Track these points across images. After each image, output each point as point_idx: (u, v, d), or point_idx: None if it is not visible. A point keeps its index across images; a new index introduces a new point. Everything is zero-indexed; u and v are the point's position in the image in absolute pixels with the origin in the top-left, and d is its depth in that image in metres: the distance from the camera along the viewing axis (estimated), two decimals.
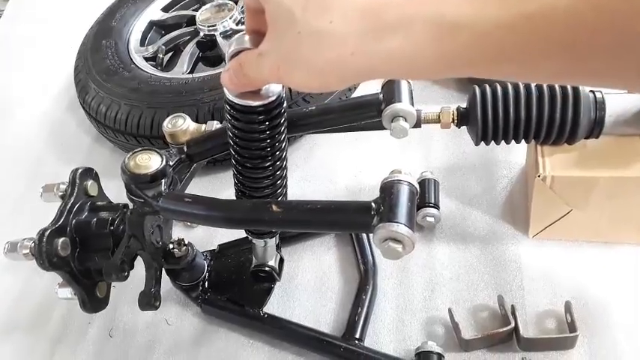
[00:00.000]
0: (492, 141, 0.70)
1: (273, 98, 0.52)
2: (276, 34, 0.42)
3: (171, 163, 0.66)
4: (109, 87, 1.00)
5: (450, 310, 0.73)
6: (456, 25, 0.34)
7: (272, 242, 0.74)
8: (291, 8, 0.39)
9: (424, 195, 0.83)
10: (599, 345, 0.68)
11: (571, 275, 0.75)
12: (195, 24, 1.12)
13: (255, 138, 0.56)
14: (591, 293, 0.73)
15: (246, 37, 0.47)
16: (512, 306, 0.71)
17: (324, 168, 0.98)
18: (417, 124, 0.69)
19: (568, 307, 0.69)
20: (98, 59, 1.07)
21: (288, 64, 0.42)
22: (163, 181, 0.62)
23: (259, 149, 0.57)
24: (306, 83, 0.43)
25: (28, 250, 0.65)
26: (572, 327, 0.68)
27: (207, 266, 0.82)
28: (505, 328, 0.69)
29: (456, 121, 0.70)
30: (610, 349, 0.68)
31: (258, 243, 0.73)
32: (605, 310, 0.71)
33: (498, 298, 0.73)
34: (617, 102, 0.66)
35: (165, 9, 1.22)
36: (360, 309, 0.75)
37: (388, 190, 0.51)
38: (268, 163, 0.59)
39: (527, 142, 0.70)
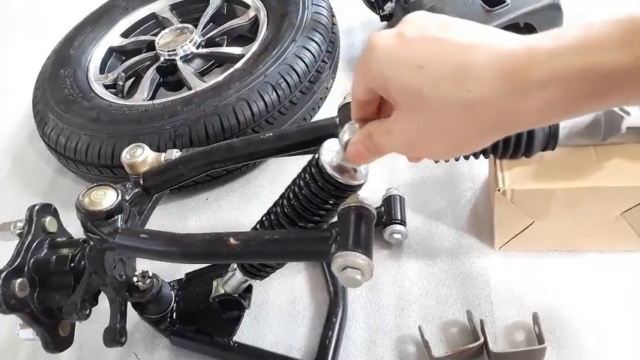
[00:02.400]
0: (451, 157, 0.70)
1: (365, 180, 0.54)
2: (406, 113, 0.42)
3: (127, 198, 0.65)
4: (68, 117, 0.98)
5: (420, 328, 0.72)
6: (614, 73, 0.35)
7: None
8: (418, 87, 0.40)
9: (390, 212, 0.83)
10: (567, 356, 0.69)
11: (537, 285, 0.75)
12: (155, 49, 1.11)
13: (328, 207, 0.56)
14: (558, 302, 0.73)
15: (357, 125, 0.48)
16: (481, 321, 0.71)
17: None
18: None
19: (535, 319, 0.70)
20: (56, 89, 1.05)
21: (427, 139, 0.42)
22: (119, 216, 0.61)
23: (328, 210, 0.56)
24: (447, 152, 0.44)
25: None
26: (540, 339, 0.69)
27: (175, 296, 0.80)
28: (475, 344, 0.69)
29: None
30: (577, 358, 0.68)
31: (241, 279, 0.71)
32: (572, 318, 0.72)
33: (467, 313, 0.73)
34: None
35: (125, 34, 1.21)
36: (331, 332, 0.75)
37: (345, 216, 0.51)
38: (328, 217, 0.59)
39: (486, 157, 0.70)
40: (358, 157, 0.49)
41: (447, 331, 0.74)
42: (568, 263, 0.77)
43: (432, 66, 0.39)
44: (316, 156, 0.54)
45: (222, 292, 0.73)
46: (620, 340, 0.69)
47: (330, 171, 0.52)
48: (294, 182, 0.57)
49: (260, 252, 0.52)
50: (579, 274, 0.75)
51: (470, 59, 0.38)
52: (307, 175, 0.55)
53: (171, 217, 0.98)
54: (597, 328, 0.70)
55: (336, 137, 0.63)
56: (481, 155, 0.70)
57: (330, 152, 0.53)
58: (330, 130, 0.63)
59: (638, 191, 0.67)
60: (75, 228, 0.76)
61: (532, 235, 0.75)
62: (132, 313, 0.73)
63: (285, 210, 0.58)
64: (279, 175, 1.00)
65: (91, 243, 0.66)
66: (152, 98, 1.05)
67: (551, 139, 0.67)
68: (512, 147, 0.67)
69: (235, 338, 0.76)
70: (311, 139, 0.64)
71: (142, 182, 0.68)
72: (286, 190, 0.59)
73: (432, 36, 0.40)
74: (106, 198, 0.61)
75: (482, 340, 0.69)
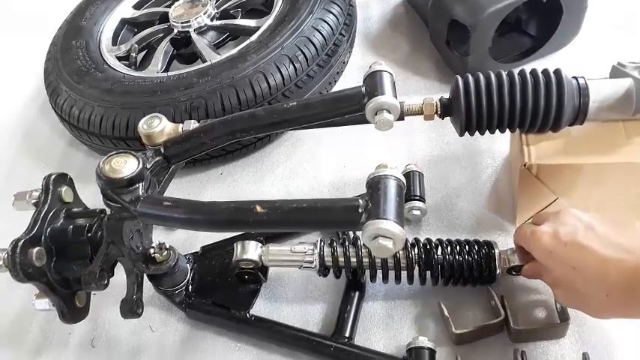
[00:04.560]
0: (477, 131, 0.69)
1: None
2: (563, 290, 0.61)
3: (148, 166, 0.64)
4: (81, 89, 0.96)
5: (439, 304, 0.72)
6: None
7: None
8: (572, 282, 0.59)
9: (409, 188, 0.82)
10: (589, 333, 0.68)
11: None
12: (169, 21, 1.09)
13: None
14: None
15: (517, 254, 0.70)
16: (502, 297, 0.70)
17: (307, 164, 0.96)
18: (400, 117, 0.68)
19: None
20: (69, 60, 1.03)
21: (573, 304, 0.63)
22: (140, 184, 0.60)
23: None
24: (585, 311, 0.61)
25: (1, 262, 0.62)
26: (562, 316, 0.68)
27: (191, 269, 0.80)
28: (495, 320, 0.68)
29: (439, 113, 0.69)
30: (600, 336, 0.68)
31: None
32: None
33: (488, 290, 0.72)
34: (601, 88, 0.65)
35: (137, 6, 1.19)
36: (349, 306, 0.74)
37: (375, 185, 0.50)
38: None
39: (512, 130, 0.69)
40: (524, 273, 0.69)
41: (467, 308, 0.73)
42: None
43: (581, 270, 0.57)
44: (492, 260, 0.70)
45: (256, 259, 0.72)
46: None
47: (498, 271, 0.70)
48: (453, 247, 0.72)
49: (288, 220, 0.51)
50: None
51: (606, 273, 0.55)
52: (475, 258, 0.70)
53: (185, 191, 0.97)
54: None
55: (362, 108, 0.62)
56: (507, 130, 0.69)
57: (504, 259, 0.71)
58: (356, 99, 0.62)
59: None
60: (88, 201, 0.75)
61: None
62: (146, 287, 0.73)
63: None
64: (294, 150, 0.99)
65: (110, 212, 0.65)
66: (166, 70, 1.04)
67: (580, 113, 0.66)
68: (540, 120, 0.66)
69: (252, 312, 0.76)
70: (336, 108, 0.62)
71: (162, 151, 0.67)
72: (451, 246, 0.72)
73: (580, 243, 0.57)
74: (127, 165, 0.60)
75: (503, 316, 0.68)
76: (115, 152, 0.62)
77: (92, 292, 0.75)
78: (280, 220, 0.51)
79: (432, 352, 0.67)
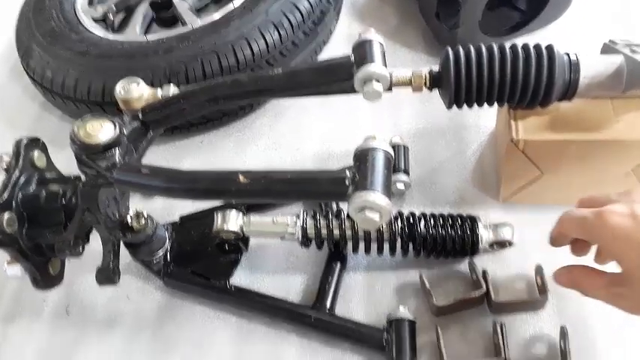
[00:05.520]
0: (465, 104, 0.68)
1: None
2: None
3: (125, 132, 0.61)
4: (55, 50, 0.92)
5: (421, 276, 0.72)
6: None
7: None
8: None
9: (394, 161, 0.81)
10: (567, 305, 0.69)
11: (541, 239, 0.74)
12: None
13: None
14: (560, 256, 0.73)
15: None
16: (484, 271, 0.70)
17: (290, 135, 0.94)
18: (389, 88, 0.66)
19: (538, 271, 0.70)
20: (42, 20, 0.98)
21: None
22: (117, 150, 0.57)
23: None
24: None
25: None
26: (542, 289, 0.69)
27: (169, 238, 0.78)
28: (476, 293, 0.68)
29: (428, 84, 0.67)
30: (577, 309, 0.69)
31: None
32: None
33: (469, 264, 0.72)
34: (592, 64, 0.65)
35: None
36: (330, 278, 0.73)
37: (363, 157, 0.48)
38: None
39: (501, 105, 0.68)
40: (560, 278, 0.61)
41: (448, 280, 0.73)
42: None
43: None
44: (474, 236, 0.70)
45: (237, 229, 0.70)
46: None
47: (482, 245, 0.71)
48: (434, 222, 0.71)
49: (272, 190, 0.50)
50: None
51: None
52: (458, 232, 0.70)
53: (163, 159, 0.94)
54: None
55: (351, 77, 0.60)
56: (495, 104, 0.68)
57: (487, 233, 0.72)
58: (344, 68, 0.60)
59: None
60: (62, 167, 0.72)
61: (539, 188, 0.74)
62: (123, 254, 0.71)
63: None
64: (277, 121, 0.97)
65: (85, 179, 0.63)
66: (145, 34, 1.00)
67: (570, 89, 0.65)
68: (530, 95, 0.65)
69: (231, 282, 0.74)
70: (324, 77, 0.60)
71: (140, 117, 0.64)
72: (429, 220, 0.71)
73: None
74: (103, 130, 0.57)
75: (484, 289, 0.68)
76: (90, 115, 0.59)
77: (67, 259, 0.73)
78: (263, 190, 0.49)
79: (412, 323, 0.67)
